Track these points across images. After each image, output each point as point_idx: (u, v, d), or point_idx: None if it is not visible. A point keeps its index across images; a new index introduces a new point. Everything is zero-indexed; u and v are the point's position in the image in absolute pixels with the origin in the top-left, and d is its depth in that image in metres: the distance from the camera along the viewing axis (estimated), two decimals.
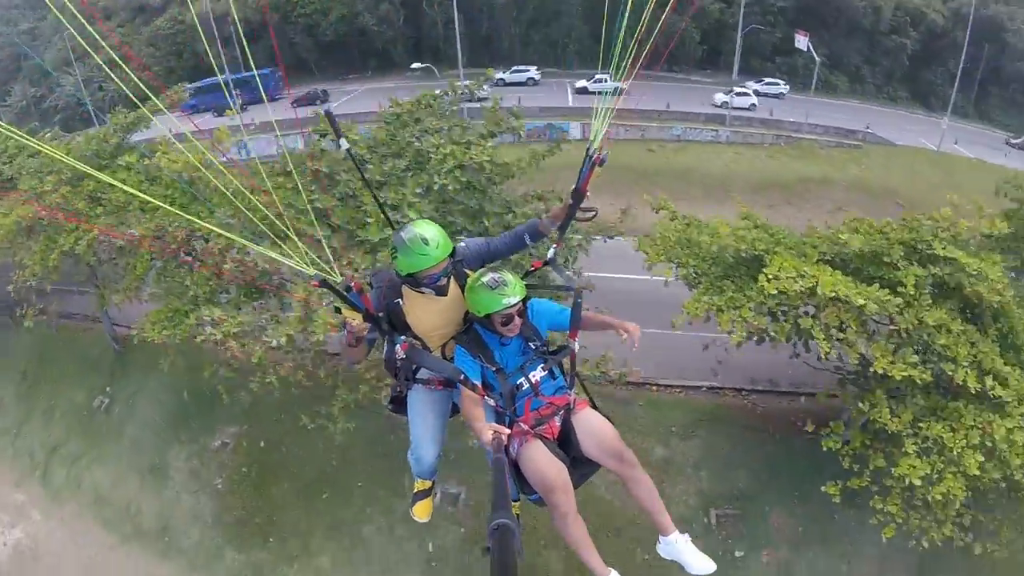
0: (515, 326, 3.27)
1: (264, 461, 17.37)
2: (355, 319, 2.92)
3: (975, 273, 11.33)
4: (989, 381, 10.94)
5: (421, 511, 3.95)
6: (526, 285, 3.36)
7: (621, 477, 3.22)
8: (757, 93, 35.91)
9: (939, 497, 10.86)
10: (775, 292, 11.16)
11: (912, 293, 11.31)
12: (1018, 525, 13.61)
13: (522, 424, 3.29)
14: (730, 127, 28.67)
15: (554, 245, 3.51)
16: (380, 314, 3.22)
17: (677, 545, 3.24)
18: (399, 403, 3.74)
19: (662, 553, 3.33)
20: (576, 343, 3.35)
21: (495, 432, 2.85)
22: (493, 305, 3.13)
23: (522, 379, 3.35)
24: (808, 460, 12.73)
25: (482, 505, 15.13)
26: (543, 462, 3.11)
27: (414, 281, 3.20)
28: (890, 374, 11.40)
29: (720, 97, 34.36)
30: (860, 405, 12.59)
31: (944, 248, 11.89)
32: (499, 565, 1.79)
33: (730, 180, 24.34)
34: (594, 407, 3.53)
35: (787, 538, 16.26)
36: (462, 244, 3.48)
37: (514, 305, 3.16)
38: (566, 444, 3.33)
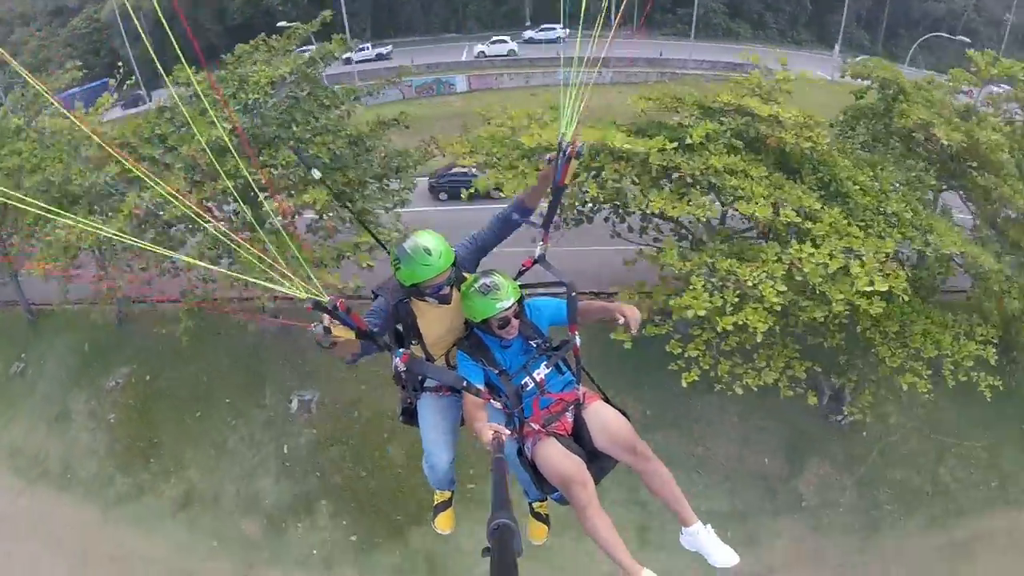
0: (512, 328, 3.25)
1: (148, 392, 18.51)
2: (339, 328, 2.87)
3: (768, 117, 12.24)
4: (786, 211, 11.63)
5: (443, 523, 3.90)
6: (520, 285, 3.36)
7: (636, 470, 3.17)
8: (532, 40, 38.77)
9: (729, 326, 11.32)
10: (534, 145, 12.16)
11: (700, 143, 12.26)
12: (882, 389, 14.42)
13: (532, 424, 3.27)
14: (613, 68, 29.74)
15: (541, 242, 3.46)
16: (375, 329, 3.16)
17: (699, 536, 3.11)
18: (410, 415, 3.74)
19: (685, 544, 3.21)
20: (577, 336, 3.37)
21: (495, 432, 2.81)
22: (487, 311, 3.13)
23: (526, 378, 3.32)
24: (657, 350, 13.23)
25: (334, 407, 16.17)
26: (557, 457, 3.09)
27: (417, 292, 3.21)
28: (668, 213, 12.34)
29: (478, 47, 37.12)
30: (651, 253, 13.44)
31: (732, 97, 12.85)
32: (500, 565, 1.73)
33: (608, 115, 25.29)
34: (606, 401, 3.48)
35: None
36: (458, 249, 3.46)
37: (508, 308, 3.14)
38: (579, 439, 3.31)
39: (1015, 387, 15.41)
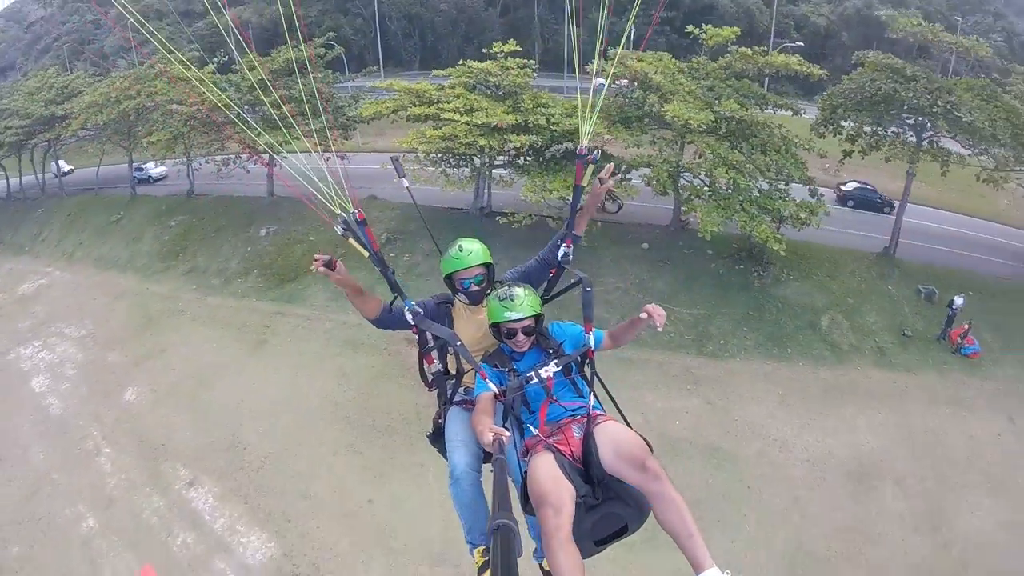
0: (518, 341, 3.50)
1: (191, 226, 31.55)
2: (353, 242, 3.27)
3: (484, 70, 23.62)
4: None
5: None
6: (548, 297, 3.79)
7: (646, 494, 2.91)
8: None
9: None
10: None
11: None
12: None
13: (534, 430, 3.32)
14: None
15: (564, 244, 3.78)
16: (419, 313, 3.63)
17: None
18: (439, 435, 3.91)
19: None
20: (591, 337, 3.49)
21: (495, 433, 2.88)
22: (496, 316, 3.45)
23: (531, 373, 3.44)
24: None
25: (282, 235, 28.06)
26: (544, 473, 2.96)
27: (451, 284, 3.75)
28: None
29: None
30: None
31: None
32: (500, 566, 1.76)
33: None
34: (626, 423, 3.38)
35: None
36: (506, 274, 3.95)
37: (515, 321, 3.43)
38: (587, 462, 3.13)
39: (758, 285, 23.18)
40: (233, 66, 32.03)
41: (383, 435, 17.05)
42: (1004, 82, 26.51)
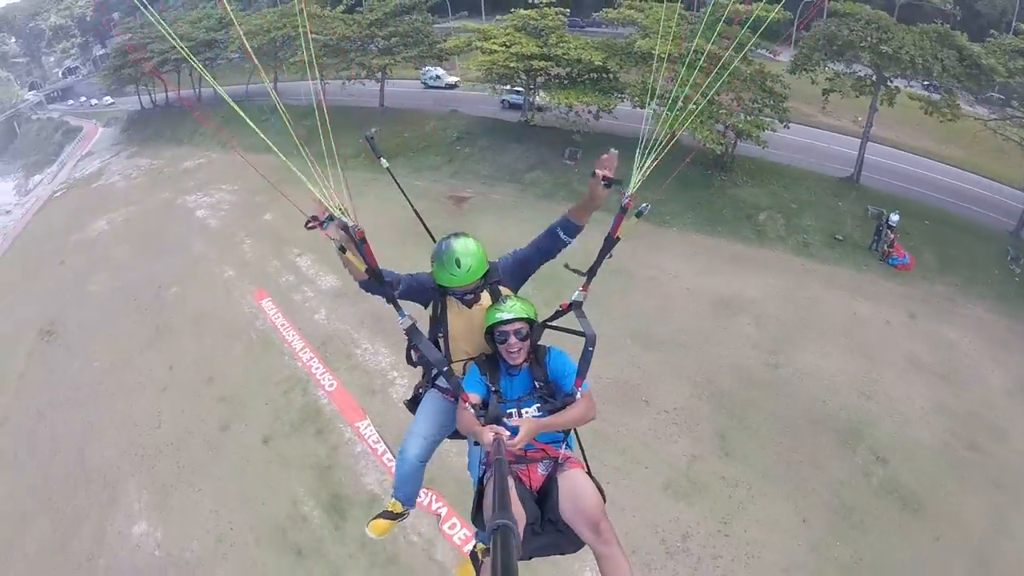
0: (512, 346, 3.72)
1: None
2: (352, 255, 3.45)
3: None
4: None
5: (377, 528, 4.17)
6: (552, 326, 3.99)
7: (594, 552, 3.24)
8: None
9: None
10: None
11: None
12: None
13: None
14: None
15: (580, 289, 3.89)
16: (398, 283, 3.82)
17: None
18: (415, 402, 4.33)
19: None
20: (579, 391, 3.69)
21: (495, 434, 3.12)
22: (489, 319, 3.70)
23: (513, 409, 3.65)
24: None
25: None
26: None
27: (444, 289, 3.89)
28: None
29: None
30: None
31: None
32: (500, 566, 1.89)
33: None
34: (589, 474, 3.64)
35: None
36: (494, 261, 4.02)
37: (508, 321, 3.65)
38: (544, 502, 3.45)
39: (717, 185, 31.71)
40: (357, 8, 44.74)
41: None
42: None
